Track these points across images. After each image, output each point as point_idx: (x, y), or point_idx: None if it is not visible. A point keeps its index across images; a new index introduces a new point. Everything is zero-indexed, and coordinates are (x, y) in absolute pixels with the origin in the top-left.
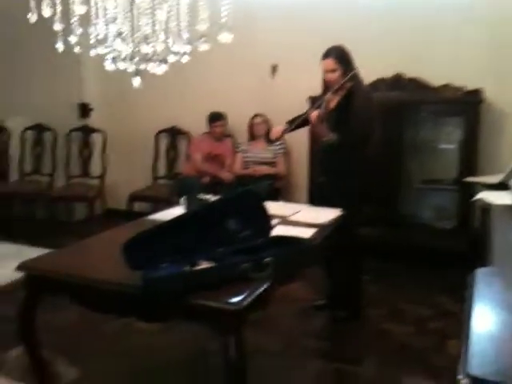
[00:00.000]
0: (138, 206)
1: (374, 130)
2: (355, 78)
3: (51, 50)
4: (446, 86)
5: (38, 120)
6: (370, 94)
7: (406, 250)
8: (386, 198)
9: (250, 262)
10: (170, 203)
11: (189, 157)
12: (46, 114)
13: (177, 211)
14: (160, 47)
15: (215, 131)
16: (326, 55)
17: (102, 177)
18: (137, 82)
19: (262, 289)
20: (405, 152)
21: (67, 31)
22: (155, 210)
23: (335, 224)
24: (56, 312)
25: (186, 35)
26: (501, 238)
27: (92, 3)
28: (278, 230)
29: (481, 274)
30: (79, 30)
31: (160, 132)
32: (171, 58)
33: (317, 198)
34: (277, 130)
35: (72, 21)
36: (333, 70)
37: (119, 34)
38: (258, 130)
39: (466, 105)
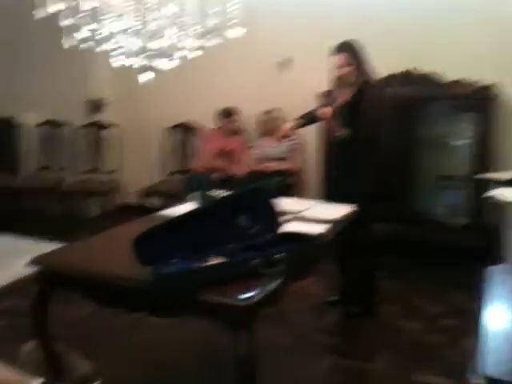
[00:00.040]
0: (150, 202)
1: (384, 125)
2: (367, 74)
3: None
4: (458, 82)
5: (50, 116)
6: (381, 89)
7: (419, 246)
8: (399, 194)
9: (261, 258)
10: (181, 199)
11: (200, 152)
12: (58, 110)
13: (187, 207)
14: (169, 43)
15: (228, 127)
16: (338, 50)
17: (115, 172)
18: (144, 78)
19: (273, 285)
20: (417, 148)
21: (76, 27)
22: (167, 205)
23: (348, 220)
24: (69, 305)
25: (195, 30)
26: None
27: None
28: (290, 226)
29: (494, 271)
30: (88, 26)
31: (172, 127)
32: (181, 54)
33: (329, 194)
34: (286, 127)
35: (80, 16)
36: (345, 65)
37: (127, 30)
38: (270, 126)
39: (479, 101)
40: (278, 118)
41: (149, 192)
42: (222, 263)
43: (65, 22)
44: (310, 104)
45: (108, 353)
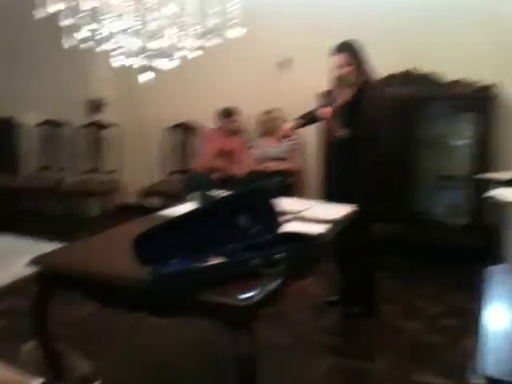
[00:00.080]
0: (150, 202)
1: (384, 125)
2: (367, 74)
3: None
4: (458, 82)
5: (50, 115)
6: (381, 89)
7: (419, 246)
8: (399, 194)
9: (261, 258)
10: (181, 199)
11: (200, 152)
12: (58, 110)
13: (187, 207)
14: (169, 43)
15: (228, 127)
16: (338, 50)
17: (114, 172)
18: (144, 78)
19: (272, 285)
20: (417, 148)
21: (76, 27)
22: (167, 205)
23: (348, 220)
24: (69, 305)
25: (195, 30)
26: None
27: None
28: (290, 226)
29: (494, 271)
30: (88, 26)
31: (172, 127)
32: (181, 54)
33: (329, 194)
34: (285, 127)
35: (80, 16)
36: (345, 65)
37: (127, 30)
38: (270, 126)
39: (479, 101)
40: (278, 117)
41: (149, 192)
42: (222, 263)
43: (65, 22)
44: (310, 104)
45: (108, 353)
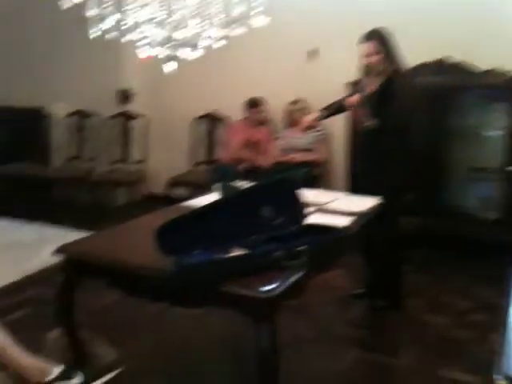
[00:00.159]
0: (176, 192)
1: (414, 115)
2: (396, 62)
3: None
4: (491, 71)
5: (79, 106)
6: (411, 78)
7: (449, 240)
8: (429, 186)
9: (283, 250)
10: (207, 189)
11: (226, 143)
12: (87, 100)
13: (212, 198)
14: (193, 32)
15: (253, 117)
16: (367, 38)
17: (142, 162)
18: (169, 67)
19: (295, 277)
20: (448, 139)
21: (102, 17)
22: (194, 195)
23: (374, 212)
24: (94, 293)
25: (219, 20)
26: None
27: None
28: (315, 218)
29: None
30: (113, 16)
31: (198, 118)
32: (205, 43)
33: (356, 186)
34: (307, 118)
35: (105, 6)
36: (374, 54)
37: (152, 20)
38: (296, 117)
39: None
40: (305, 108)
41: (175, 182)
42: (245, 255)
43: (90, 13)
44: (337, 94)
45: (132, 341)
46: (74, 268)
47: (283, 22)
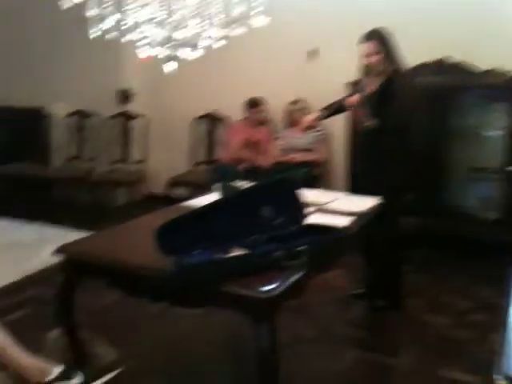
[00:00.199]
0: (176, 192)
1: (414, 115)
2: (396, 62)
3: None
4: (491, 71)
5: (79, 106)
6: (411, 78)
7: (449, 240)
8: (429, 186)
9: (283, 250)
10: (208, 189)
11: (226, 143)
12: (87, 100)
13: (212, 198)
14: (193, 32)
15: (253, 117)
16: (367, 38)
17: (142, 162)
18: (169, 67)
19: (295, 277)
20: (448, 139)
21: (102, 17)
22: (193, 195)
23: (374, 213)
24: (96, 293)
25: (220, 20)
26: None
27: None
28: (314, 218)
29: None
30: (113, 16)
31: (198, 118)
32: (205, 43)
33: (356, 186)
34: (307, 118)
35: (104, 6)
36: (374, 54)
37: (152, 20)
38: (296, 117)
39: None
40: (305, 108)
41: (175, 182)
42: (244, 255)
43: (90, 13)
44: (337, 94)
45: (132, 341)
46: (73, 268)
47: (283, 22)
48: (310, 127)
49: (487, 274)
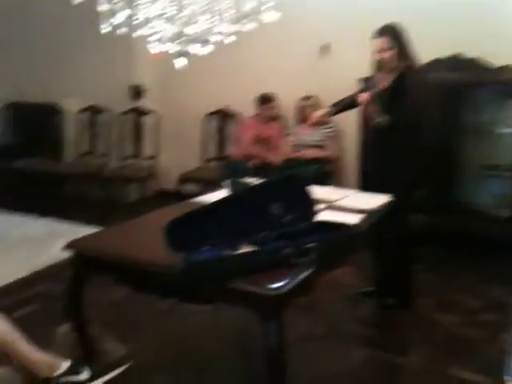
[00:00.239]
0: (187, 188)
1: (427, 112)
2: (409, 58)
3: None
4: (506, 67)
5: (92, 102)
6: (424, 75)
7: (460, 237)
8: (441, 183)
9: (292, 247)
10: (218, 185)
11: (237, 139)
12: (99, 96)
13: (221, 194)
14: (204, 28)
15: (265, 113)
16: (380, 33)
17: (154, 158)
18: (180, 63)
19: (304, 274)
20: (461, 136)
21: (113, 12)
22: (204, 191)
23: (384, 210)
24: (105, 288)
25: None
26: None
27: None
28: (325, 215)
29: None
30: (124, 11)
31: (209, 114)
32: (216, 39)
33: (367, 183)
34: (315, 114)
35: (116, 1)
36: (387, 49)
37: (163, 15)
38: (307, 113)
39: None
40: (316, 104)
41: (186, 178)
42: (253, 252)
43: (101, 8)
44: (349, 90)
45: (140, 337)
46: (83, 263)
47: (295, 17)
48: (320, 123)
49: (498, 272)
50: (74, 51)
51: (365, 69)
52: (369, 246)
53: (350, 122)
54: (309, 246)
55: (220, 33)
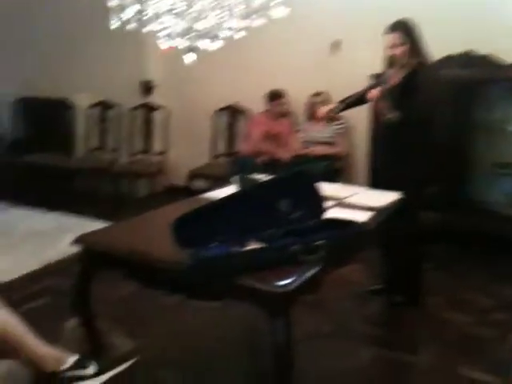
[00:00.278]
0: (196, 184)
1: (438, 108)
2: (421, 54)
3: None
4: None
5: (102, 97)
6: (435, 71)
7: (470, 235)
8: (452, 181)
9: (300, 244)
10: (228, 181)
11: (247, 135)
12: (110, 91)
13: (230, 190)
14: (213, 23)
15: (275, 110)
16: (392, 29)
17: (163, 153)
18: (189, 58)
19: (311, 272)
20: (473, 133)
21: (123, 8)
22: (214, 187)
23: (394, 208)
24: (113, 284)
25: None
26: None
27: None
28: (333, 213)
29: None
30: (133, 7)
31: (219, 110)
32: (225, 34)
33: (377, 180)
34: (322, 110)
35: None
36: (398, 45)
37: (172, 11)
38: (317, 109)
39: None
40: (327, 100)
41: (195, 174)
42: (261, 249)
43: (111, 3)
44: (360, 86)
45: (148, 333)
46: (91, 258)
47: (305, 13)
48: (331, 119)
49: (510, 271)
50: (85, 47)
51: (375, 65)
52: (378, 244)
53: (360, 118)
54: (317, 243)
55: (230, 28)
